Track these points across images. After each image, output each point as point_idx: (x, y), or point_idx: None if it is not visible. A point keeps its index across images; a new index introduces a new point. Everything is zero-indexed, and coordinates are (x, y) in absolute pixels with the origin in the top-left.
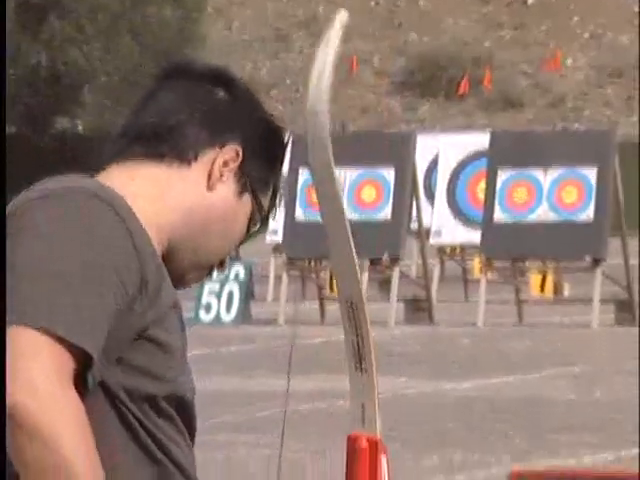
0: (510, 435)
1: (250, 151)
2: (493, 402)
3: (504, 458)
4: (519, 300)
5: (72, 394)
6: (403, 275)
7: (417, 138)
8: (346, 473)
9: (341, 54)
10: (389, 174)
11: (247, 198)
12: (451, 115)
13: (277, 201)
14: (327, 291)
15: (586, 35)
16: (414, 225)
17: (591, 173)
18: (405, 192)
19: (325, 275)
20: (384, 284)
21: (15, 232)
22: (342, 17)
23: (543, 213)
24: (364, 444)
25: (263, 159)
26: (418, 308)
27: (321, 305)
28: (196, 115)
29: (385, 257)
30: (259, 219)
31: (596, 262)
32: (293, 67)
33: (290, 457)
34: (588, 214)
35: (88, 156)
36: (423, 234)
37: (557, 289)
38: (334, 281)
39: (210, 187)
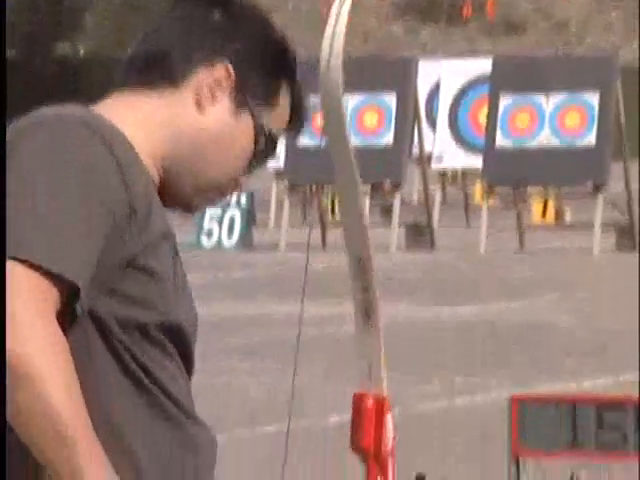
0: (511, 360)
1: (246, 67)
2: (494, 327)
3: (505, 383)
4: (520, 226)
5: (53, 329)
6: (404, 201)
7: (419, 63)
8: (351, 429)
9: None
10: (391, 100)
11: (246, 118)
12: (453, 40)
13: (303, 114)
14: (329, 217)
15: None
16: (416, 151)
17: (593, 98)
18: (407, 118)
19: (327, 201)
20: (386, 210)
21: (8, 159)
22: (347, 3)
23: (545, 138)
24: (370, 403)
25: (262, 74)
26: (419, 234)
27: (322, 231)
28: (186, 38)
29: (387, 183)
30: (264, 140)
31: (597, 188)
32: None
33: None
34: (590, 139)
35: (89, 81)
36: (424, 159)
37: (558, 215)
38: (335, 207)
39: (201, 109)
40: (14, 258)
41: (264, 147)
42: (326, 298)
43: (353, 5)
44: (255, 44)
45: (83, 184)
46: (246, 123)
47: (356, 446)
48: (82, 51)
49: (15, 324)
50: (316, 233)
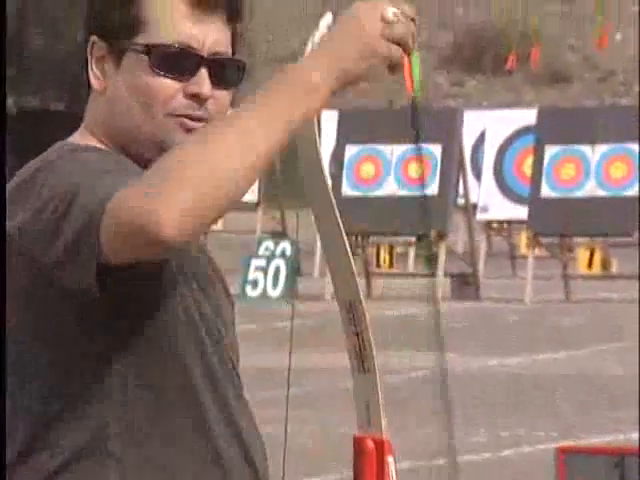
0: (558, 411)
1: (104, 35)
2: (541, 378)
3: (552, 434)
4: (566, 276)
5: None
6: (450, 251)
7: (464, 114)
8: (354, 474)
9: None
10: (436, 150)
11: (155, 77)
12: (497, 91)
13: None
14: (374, 267)
15: (635, 9)
16: (461, 201)
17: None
18: (452, 168)
19: (371, 250)
20: (432, 260)
21: (43, 176)
22: (327, 19)
23: (591, 189)
24: (370, 445)
25: (115, 19)
26: (465, 284)
27: (367, 280)
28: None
29: (432, 233)
30: (157, 56)
31: None
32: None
33: (335, 431)
34: (635, 189)
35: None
36: (470, 210)
37: (605, 265)
38: (381, 257)
39: (100, 91)
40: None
41: (164, 59)
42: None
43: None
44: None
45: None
46: (147, 78)
47: None
48: None
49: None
50: (362, 283)
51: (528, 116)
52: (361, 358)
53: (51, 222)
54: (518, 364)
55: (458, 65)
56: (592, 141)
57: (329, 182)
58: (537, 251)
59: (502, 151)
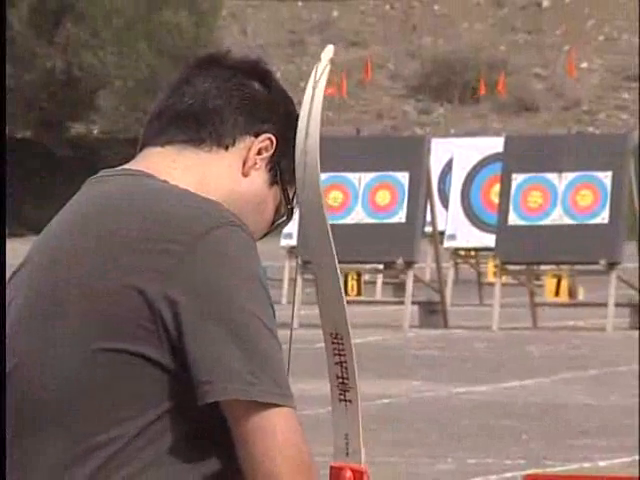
0: (525, 439)
1: (282, 143)
2: (508, 406)
3: (519, 462)
4: (534, 304)
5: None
6: (417, 279)
7: (431, 142)
8: None
9: (357, 58)
10: (403, 178)
11: (275, 189)
12: (465, 119)
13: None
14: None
15: (601, 38)
16: (428, 229)
17: (606, 177)
18: (419, 195)
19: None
20: (398, 288)
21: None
22: (328, 52)
23: (558, 217)
24: (348, 475)
25: (292, 153)
26: (432, 311)
27: None
28: (233, 102)
29: (399, 261)
30: (285, 211)
31: (611, 266)
32: (307, 71)
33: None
34: (603, 217)
35: (103, 160)
36: (437, 237)
37: (572, 293)
38: (348, 284)
39: (245, 174)
40: (275, 405)
41: (284, 220)
42: None
43: (368, 84)
44: (289, 120)
45: (268, 307)
46: (275, 193)
47: None
48: (96, 131)
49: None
50: None
51: (495, 144)
52: (343, 389)
53: (231, 344)
54: (486, 392)
55: (426, 93)
56: (559, 169)
57: (328, 225)
58: (504, 279)
59: (469, 179)
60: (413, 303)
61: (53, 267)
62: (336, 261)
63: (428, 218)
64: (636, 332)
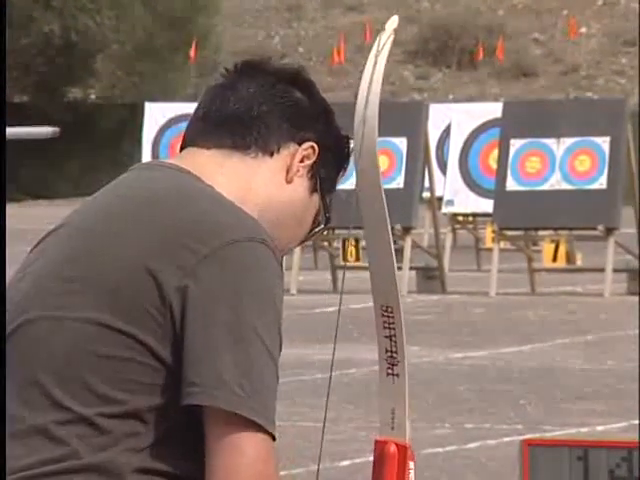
0: (522, 404)
1: (323, 152)
2: (505, 371)
3: (516, 427)
4: (531, 269)
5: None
6: (415, 244)
7: (429, 107)
8: (372, 476)
9: (356, 22)
10: (401, 143)
11: (315, 197)
12: (464, 84)
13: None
14: (340, 260)
15: (599, 2)
16: (426, 194)
17: (604, 142)
18: (417, 161)
19: (337, 244)
20: (396, 253)
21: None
22: (393, 22)
23: (556, 182)
24: (392, 449)
25: (333, 162)
26: (430, 277)
27: (333, 274)
28: (277, 108)
29: (397, 226)
30: (322, 219)
31: (609, 231)
32: (305, 36)
33: (304, 426)
34: (601, 183)
35: (100, 125)
36: (435, 203)
37: (570, 258)
38: (347, 250)
39: (289, 181)
40: (260, 428)
41: (321, 228)
42: (338, 342)
43: (364, 50)
44: (331, 130)
45: (277, 333)
46: (315, 201)
47: None
48: (93, 95)
49: None
50: (327, 276)
51: (493, 109)
52: (391, 362)
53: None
54: (483, 357)
55: (424, 59)
56: (557, 135)
57: (382, 183)
58: (502, 244)
59: (468, 144)
60: (411, 269)
61: (85, 237)
62: (390, 233)
63: (426, 184)
64: (633, 297)
